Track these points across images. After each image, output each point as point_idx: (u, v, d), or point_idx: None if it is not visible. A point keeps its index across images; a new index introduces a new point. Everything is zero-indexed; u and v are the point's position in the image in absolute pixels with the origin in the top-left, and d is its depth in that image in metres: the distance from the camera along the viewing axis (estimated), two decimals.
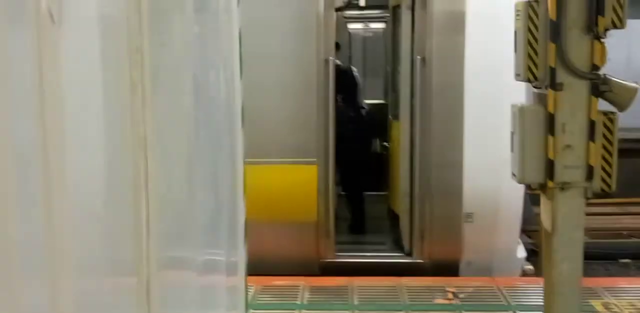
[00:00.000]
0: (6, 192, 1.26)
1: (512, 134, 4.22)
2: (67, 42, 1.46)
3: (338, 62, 7.87)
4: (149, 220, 2.02)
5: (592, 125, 4.03)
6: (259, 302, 5.72)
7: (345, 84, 7.69)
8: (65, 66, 1.42)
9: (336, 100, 7.39)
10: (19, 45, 1.28)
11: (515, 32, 4.12)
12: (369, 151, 7.76)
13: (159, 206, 2.09)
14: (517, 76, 4.16)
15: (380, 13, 8.83)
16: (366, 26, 10.45)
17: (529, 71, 4.03)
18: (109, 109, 1.72)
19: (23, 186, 1.33)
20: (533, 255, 6.93)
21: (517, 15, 4.08)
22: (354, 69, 8.19)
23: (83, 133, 1.59)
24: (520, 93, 5.36)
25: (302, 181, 6.41)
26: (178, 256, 2.45)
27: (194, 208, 2.68)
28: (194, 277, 2.64)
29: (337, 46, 7.99)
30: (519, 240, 6.71)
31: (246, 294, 4.04)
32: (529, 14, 3.97)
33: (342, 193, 7.96)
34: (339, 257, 6.66)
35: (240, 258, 3.84)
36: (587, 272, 7.71)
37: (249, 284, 5.86)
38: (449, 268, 6.42)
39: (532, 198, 6.58)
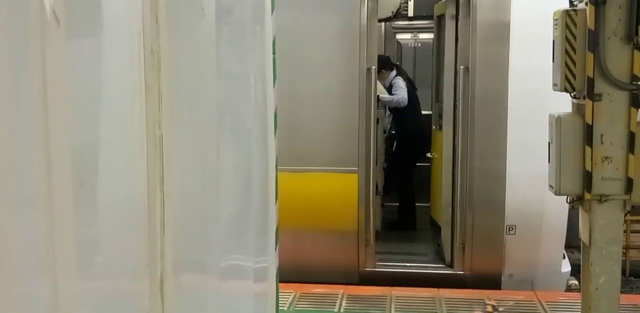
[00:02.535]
0: (15, 192, 1.31)
1: (550, 144, 4.16)
2: (74, 43, 1.51)
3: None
4: (164, 219, 2.06)
5: (631, 136, 3.95)
6: (297, 308, 5.74)
7: (413, 95, 7.85)
8: (70, 67, 1.47)
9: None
10: (22, 46, 1.33)
11: (553, 42, 4.08)
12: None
13: (175, 207, 2.13)
14: (555, 86, 4.11)
15: (429, 23, 8.81)
16: (415, 36, 10.43)
17: (567, 81, 3.97)
18: (120, 108, 1.77)
19: (30, 187, 1.38)
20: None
21: (555, 24, 4.03)
22: None
23: (91, 131, 1.64)
24: (566, 103, 5.27)
25: (343, 189, 6.42)
26: (197, 258, 2.49)
27: (217, 212, 2.72)
28: (214, 280, 2.66)
29: (388, 61, 8.14)
30: (564, 254, 6.57)
31: (277, 300, 4.06)
32: (567, 23, 3.92)
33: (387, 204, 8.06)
34: (379, 266, 6.63)
35: (271, 264, 3.86)
36: (634, 291, 7.54)
37: (288, 290, 5.94)
38: (490, 281, 6.32)
39: None
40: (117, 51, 1.75)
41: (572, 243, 7.06)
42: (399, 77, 7.79)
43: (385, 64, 7.68)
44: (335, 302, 5.87)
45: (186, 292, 2.32)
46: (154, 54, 1.91)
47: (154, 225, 2.02)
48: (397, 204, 8.23)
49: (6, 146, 1.29)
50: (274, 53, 3.70)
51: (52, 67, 1.39)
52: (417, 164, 8.14)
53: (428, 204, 8.09)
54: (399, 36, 10.40)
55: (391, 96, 7.66)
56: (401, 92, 7.67)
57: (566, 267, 6.54)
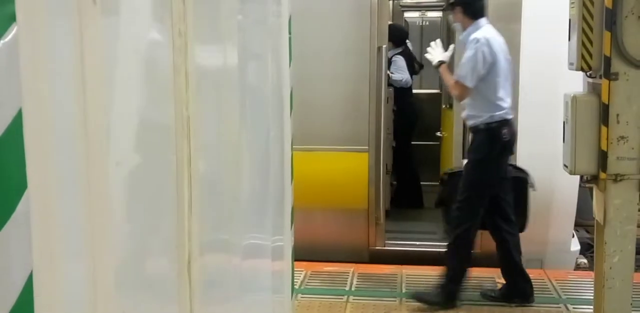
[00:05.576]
0: (48, 170, 1.31)
1: (565, 123, 4.15)
2: (109, 24, 1.51)
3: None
4: (192, 200, 2.07)
5: None
6: (308, 286, 5.78)
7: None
8: (107, 46, 1.47)
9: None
10: (61, 26, 1.32)
11: (570, 20, 4.05)
12: None
13: (202, 186, 2.14)
14: (571, 65, 4.09)
15: (437, 1, 8.74)
16: (423, 15, 10.35)
17: (583, 60, 3.95)
18: (150, 89, 1.77)
19: (63, 165, 1.38)
20: (590, 249, 6.80)
21: (572, 2, 4.01)
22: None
23: (124, 112, 1.64)
24: (577, 82, 5.25)
25: (354, 168, 6.43)
26: (221, 237, 2.50)
27: (240, 191, 2.73)
28: (237, 259, 2.68)
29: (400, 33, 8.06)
30: (573, 233, 6.59)
31: (292, 278, 4.09)
32: (584, 2, 3.89)
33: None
34: (389, 245, 6.66)
35: (287, 243, 3.88)
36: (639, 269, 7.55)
37: (299, 269, 5.97)
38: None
39: (591, 191, 6.46)
40: (148, 32, 1.74)
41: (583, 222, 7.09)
42: (400, 56, 7.75)
43: (395, 37, 7.59)
44: (346, 281, 5.91)
45: (211, 272, 2.34)
46: (182, 35, 1.91)
47: (182, 206, 2.03)
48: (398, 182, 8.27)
49: (45, 125, 1.29)
50: (289, 32, 3.69)
51: (89, 46, 1.38)
52: (428, 143, 8.15)
53: (437, 183, 8.09)
54: (407, 14, 10.31)
55: (400, 76, 7.65)
56: (402, 71, 7.69)
57: (575, 245, 6.56)
